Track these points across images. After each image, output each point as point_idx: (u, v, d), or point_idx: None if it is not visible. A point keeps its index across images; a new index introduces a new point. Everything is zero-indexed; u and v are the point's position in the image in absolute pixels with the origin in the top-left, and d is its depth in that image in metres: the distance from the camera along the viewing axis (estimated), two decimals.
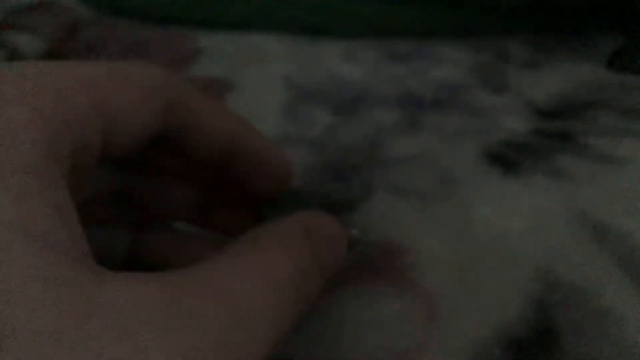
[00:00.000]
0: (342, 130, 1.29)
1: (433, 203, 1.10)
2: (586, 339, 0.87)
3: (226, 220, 0.86)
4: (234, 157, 0.71)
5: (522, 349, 0.86)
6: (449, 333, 0.88)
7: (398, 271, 0.97)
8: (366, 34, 1.68)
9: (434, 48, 1.62)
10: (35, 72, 0.42)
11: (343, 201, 0.85)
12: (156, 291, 0.38)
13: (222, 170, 0.74)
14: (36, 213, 0.35)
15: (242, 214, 0.86)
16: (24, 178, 0.36)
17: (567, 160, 1.18)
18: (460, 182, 1.14)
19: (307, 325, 0.89)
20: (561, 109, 1.35)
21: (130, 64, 0.55)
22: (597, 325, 0.88)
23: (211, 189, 0.84)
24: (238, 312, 0.42)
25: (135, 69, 0.53)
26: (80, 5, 1.86)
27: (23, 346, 0.29)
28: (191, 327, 0.37)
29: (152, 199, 0.80)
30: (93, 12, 1.83)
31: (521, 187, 1.12)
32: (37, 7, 1.83)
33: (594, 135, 1.25)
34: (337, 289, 0.94)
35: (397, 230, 1.04)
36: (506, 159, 1.19)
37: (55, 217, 0.36)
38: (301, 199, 0.81)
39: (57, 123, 0.40)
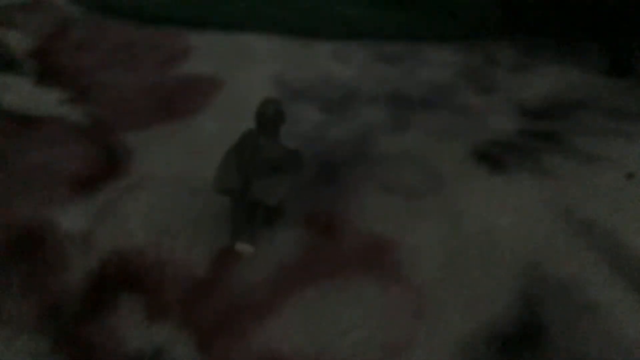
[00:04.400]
0: (331, 127, 1.29)
1: (421, 199, 1.10)
2: (574, 334, 0.87)
3: None
4: None
5: (508, 344, 0.86)
6: (436, 329, 0.87)
7: (386, 266, 0.97)
8: (355, 36, 1.68)
9: (423, 51, 1.63)
10: None
11: (290, 168, 0.98)
12: None
13: None
14: None
15: None
16: None
17: (553, 160, 1.18)
18: (448, 179, 1.14)
19: (293, 316, 0.89)
20: (548, 110, 1.36)
21: None
22: (586, 320, 0.88)
23: None
24: None
25: None
26: (69, 4, 1.86)
27: None
28: None
29: None
30: (83, 11, 1.83)
31: (508, 185, 1.12)
32: (28, 5, 1.83)
33: (580, 135, 1.26)
34: (325, 282, 0.94)
35: (385, 225, 1.04)
36: (493, 157, 1.19)
37: None
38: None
39: None
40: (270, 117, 0.96)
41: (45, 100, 1.38)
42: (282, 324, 0.88)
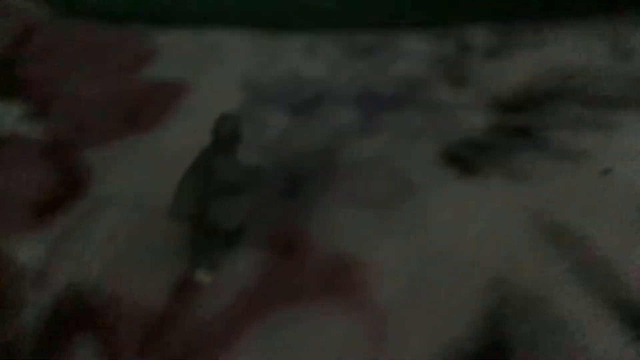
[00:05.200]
0: (299, 134, 1.25)
1: (388, 210, 1.06)
2: (539, 352, 0.84)
3: None
4: None
5: None
6: (399, 354, 0.85)
7: (350, 288, 0.94)
8: (327, 27, 1.63)
9: (396, 40, 1.57)
10: None
11: (236, 185, 0.93)
12: None
13: None
14: None
15: None
16: None
17: (525, 158, 1.14)
18: (417, 185, 1.11)
19: (253, 348, 0.87)
20: (523, 101, 1.31)
21: None
22: (551, 337, 0.86)
23: None
24: None
25: None
26: (34, 6, 1.80)
27: None
28: None
29: None
30: (48, 13, 1.77)
31: (478, 189, 1.08)
32: None
33: (555, 129, 1.22)
34: (286, 310, 0.91)
35: (351, 241, 1.01)
36: (463, 159, 1.15)
37: None
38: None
39: None
40: (226, 135, 0.92)
41: (5, 117, 1.34)
42: (243, 357, 0.86)
